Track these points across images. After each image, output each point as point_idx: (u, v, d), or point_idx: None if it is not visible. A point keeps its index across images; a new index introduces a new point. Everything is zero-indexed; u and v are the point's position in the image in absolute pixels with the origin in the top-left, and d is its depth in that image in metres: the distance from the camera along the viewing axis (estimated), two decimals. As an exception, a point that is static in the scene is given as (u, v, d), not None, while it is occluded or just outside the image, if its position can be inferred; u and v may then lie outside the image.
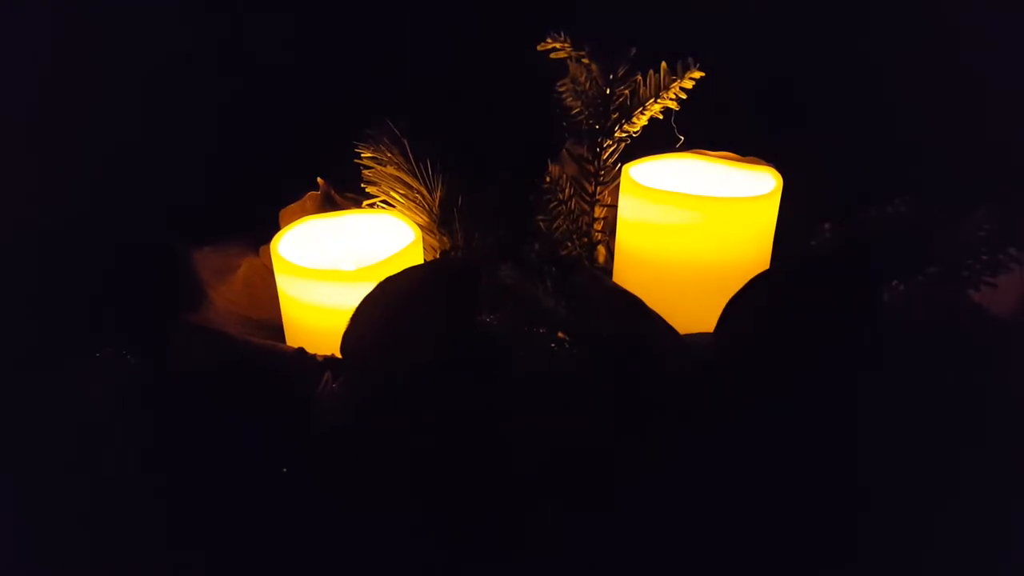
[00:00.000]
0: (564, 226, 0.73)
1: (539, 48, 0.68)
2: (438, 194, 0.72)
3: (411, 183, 0.72)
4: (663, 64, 0.68)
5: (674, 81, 0.68)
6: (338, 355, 0.58)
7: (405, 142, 0.73)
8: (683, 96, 0.69)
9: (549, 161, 0.73)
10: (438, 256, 0.73)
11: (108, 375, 0.63)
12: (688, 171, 0.69)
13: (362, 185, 0.73)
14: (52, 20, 0.79)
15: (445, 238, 0.73)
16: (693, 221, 0.63)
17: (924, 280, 0.64)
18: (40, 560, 0.56)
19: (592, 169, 0.72)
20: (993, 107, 0.78)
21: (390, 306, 0.57)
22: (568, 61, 0.69)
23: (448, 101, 0.82)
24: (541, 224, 0.73)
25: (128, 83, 0.80)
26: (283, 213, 0.75)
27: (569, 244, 0.73)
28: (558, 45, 0.68)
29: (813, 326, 0.55)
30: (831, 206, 0.72)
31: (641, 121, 0.70)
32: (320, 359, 0.60)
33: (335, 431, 0.56)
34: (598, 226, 0.73)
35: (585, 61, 0.68)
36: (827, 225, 0.71)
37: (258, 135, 0.81)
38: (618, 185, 0.69)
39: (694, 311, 0.60)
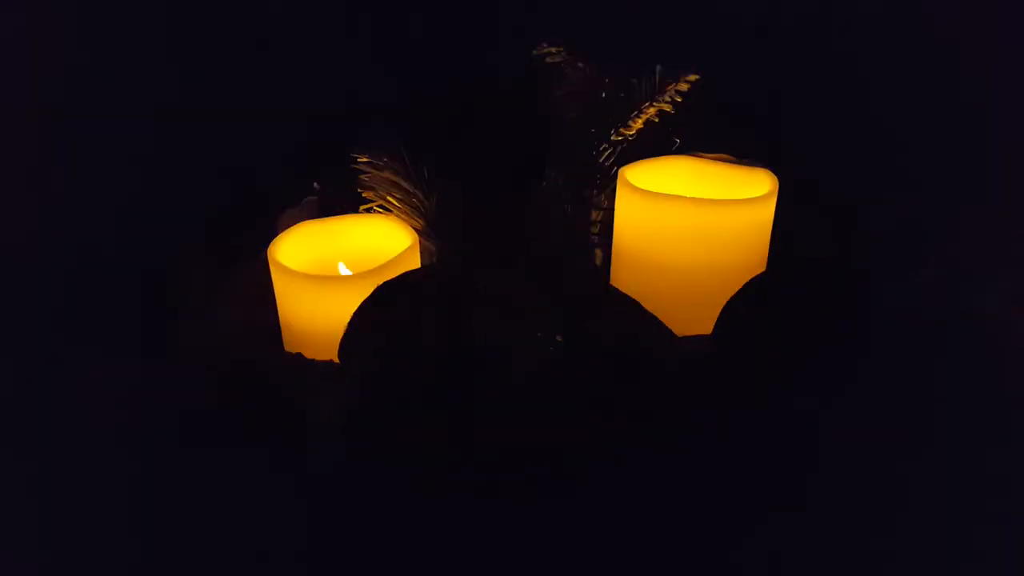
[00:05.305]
0: (561, 230, 0.73)
1: (535, 53, 0.68)
2: (434, 198, 0.72)
3: (407, 187, 0.72)
4: (658, 68, 0.68)
5: (669, 84, 0.68)
6: (336, 360, 0.58)
7: (401, 146, 0.73)
8: (679, 99, 0.69)
9: (546, 165, 0.73)
10: (435, 260, 0.73)
11: (106, 382, 0.63)
12: (684, 174, 0.69)
13: (358, 190, 0.73)
14: (53, 23, 0.79)
15: (442, 242, 0.73)
16: (689, 224, 0.63)
17: (921, 280, 0.64)
18: (35, 563, 0.56)
19: (588, 172, 0.72)
20: (990, 107, 0.78)
21: (388, 311, 0.57)
22: (564, 65, 0.69)
23: (445, 104, 0.82)
24: (538, 228, 0.73)
25: (124, 88, 0.80)
26: (280, 218, 0.75)
27: (566, 248, 0.73)
28: (554, 50, 0.68)
29: (810, 328, 0.56)
30: (827, 207, 0.73)
31: (637, 124, 0.70)
32: (318, 364, 0.60)
33: (334, 436, 0.56)
34: (595, 229, 0.73)
35: (581, 65, 0.69)
36: (823, 227, 0.71)
37: (255, 140, 0.81)
38: (614, 188, 0.69)
39: (691, 314, 0.61)
